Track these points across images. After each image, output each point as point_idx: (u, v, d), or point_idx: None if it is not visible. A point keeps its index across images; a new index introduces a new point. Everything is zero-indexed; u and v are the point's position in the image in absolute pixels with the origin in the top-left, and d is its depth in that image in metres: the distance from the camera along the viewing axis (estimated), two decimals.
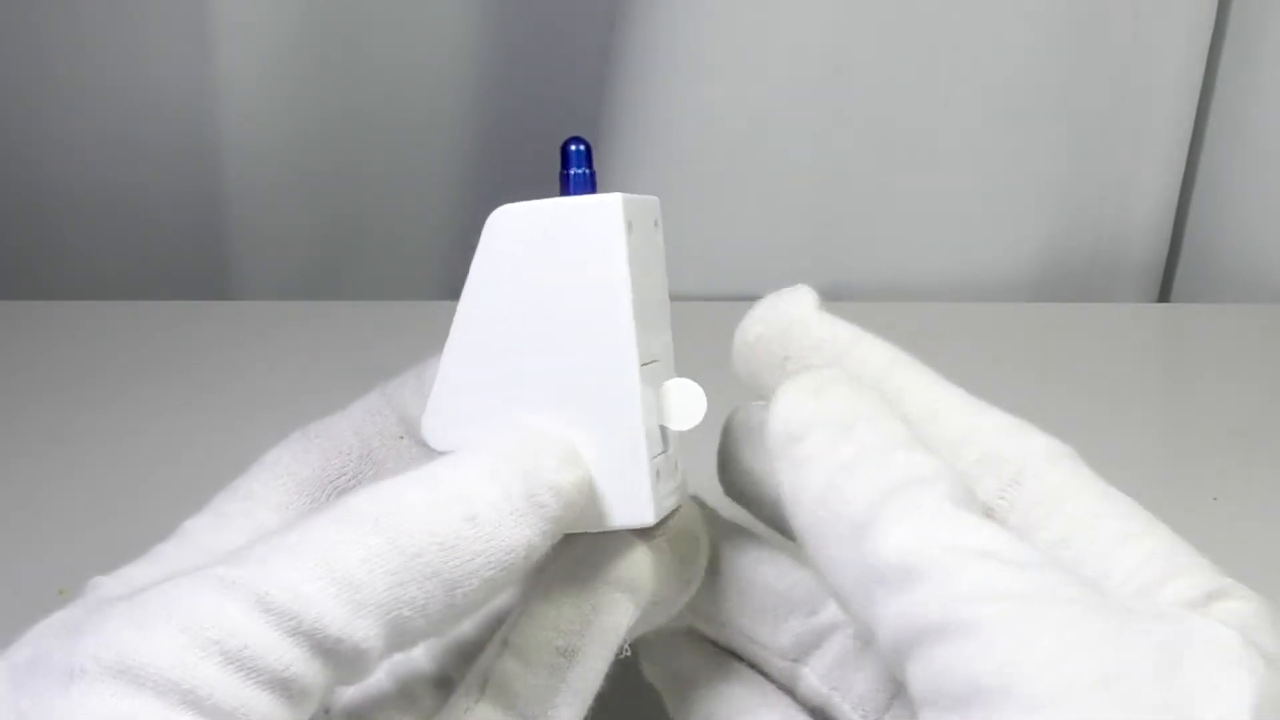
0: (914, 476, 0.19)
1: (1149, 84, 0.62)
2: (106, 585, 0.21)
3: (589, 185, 0.22)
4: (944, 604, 0.17)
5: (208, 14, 0.65)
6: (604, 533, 0.21)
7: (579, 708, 0.21)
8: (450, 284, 0.83)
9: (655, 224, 0.23)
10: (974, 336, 0.57)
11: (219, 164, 0.68)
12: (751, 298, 0.24)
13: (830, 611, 0.23)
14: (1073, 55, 0.62)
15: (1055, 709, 0.16)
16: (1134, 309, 0.65)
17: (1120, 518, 0.20)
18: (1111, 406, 0.48)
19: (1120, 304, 0.66)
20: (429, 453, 0.22)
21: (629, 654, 0.22)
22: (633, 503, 0.21)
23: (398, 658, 0.22)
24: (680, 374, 0.22)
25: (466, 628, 0.23)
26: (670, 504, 0.22)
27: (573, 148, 0.22)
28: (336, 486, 0.23)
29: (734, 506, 0.25)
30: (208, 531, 0.22)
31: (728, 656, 0.24)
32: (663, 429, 0.22)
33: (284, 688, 0.17)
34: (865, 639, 0.23)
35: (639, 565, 0.21)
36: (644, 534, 0.22)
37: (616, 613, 0.21)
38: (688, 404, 0.22)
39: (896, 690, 0.22)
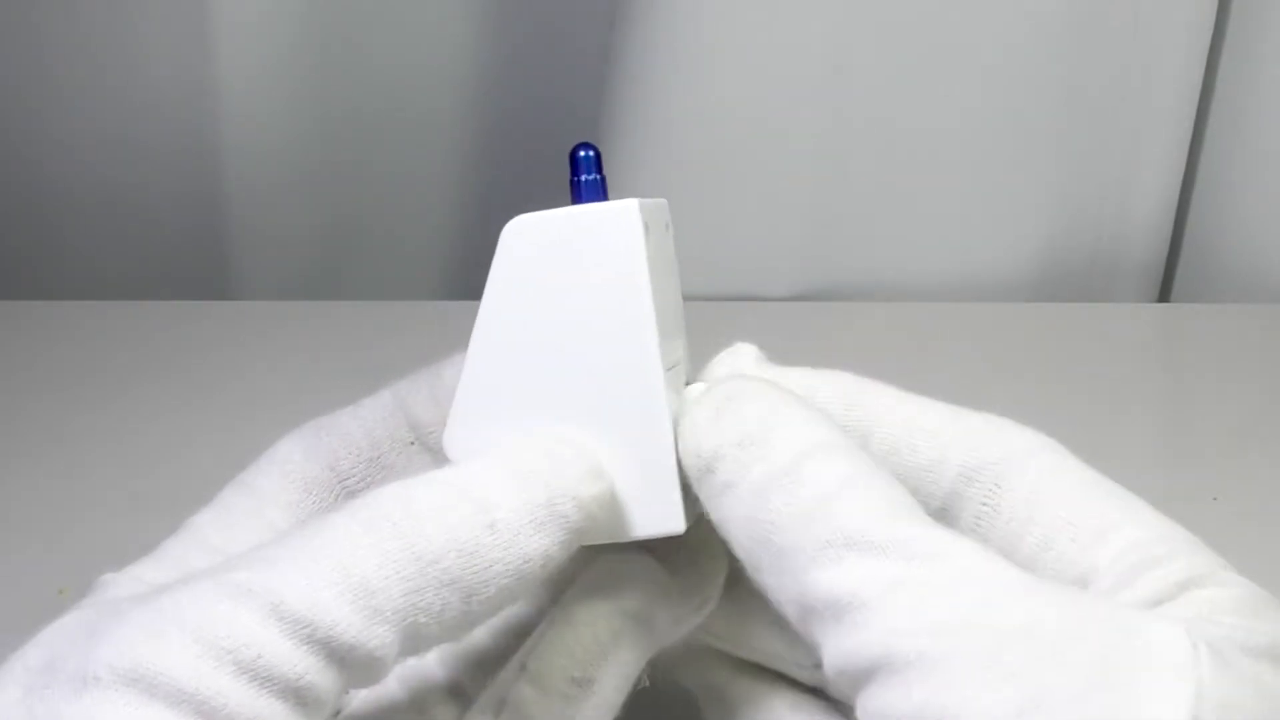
0: (825, 493, 0.18)
1: (1149, 84, 0.62)
2: (116, 583, 0.20)
3: (600, 191, 0.22)
4: (874, 642, 0.17)
5: (208, 14, 0.65)
6: (624, 560, 0.21)
7: None
8: (450, 284, 0.83)
9: (666, 226, 0.23)
10: (974, 336, 0.57)
11: (219, 164, 0.68)
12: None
13: None
14: (1073, 55, 0.62)
15: None
16: (1134, 309, 0.65)
17: (1099, 511, 0.19)
18: (1111, 406, 0.48)
19: (1120, 304, 0.66)
20: (439, 460, 0.22)
21: (647, 684, 0.22)
22: (662, 511, 0.21)
23: (409, 663, 0.22)
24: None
25: (479, 635, 0.23)
26: (695, 512, 0.22)
27: (581, 153, 0.22)
28: (345, 487, 0.23)
29: None
30: (216, 528, 0.22)
31: (756, 665, 0.24)
32: None
33: (297, 696, 0.17)
34: None
35: (658, 596, 0.21)
36: (665, 554, 0.22)
37: (635, 645, 0.21)
38: None
39: None
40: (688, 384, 0.23)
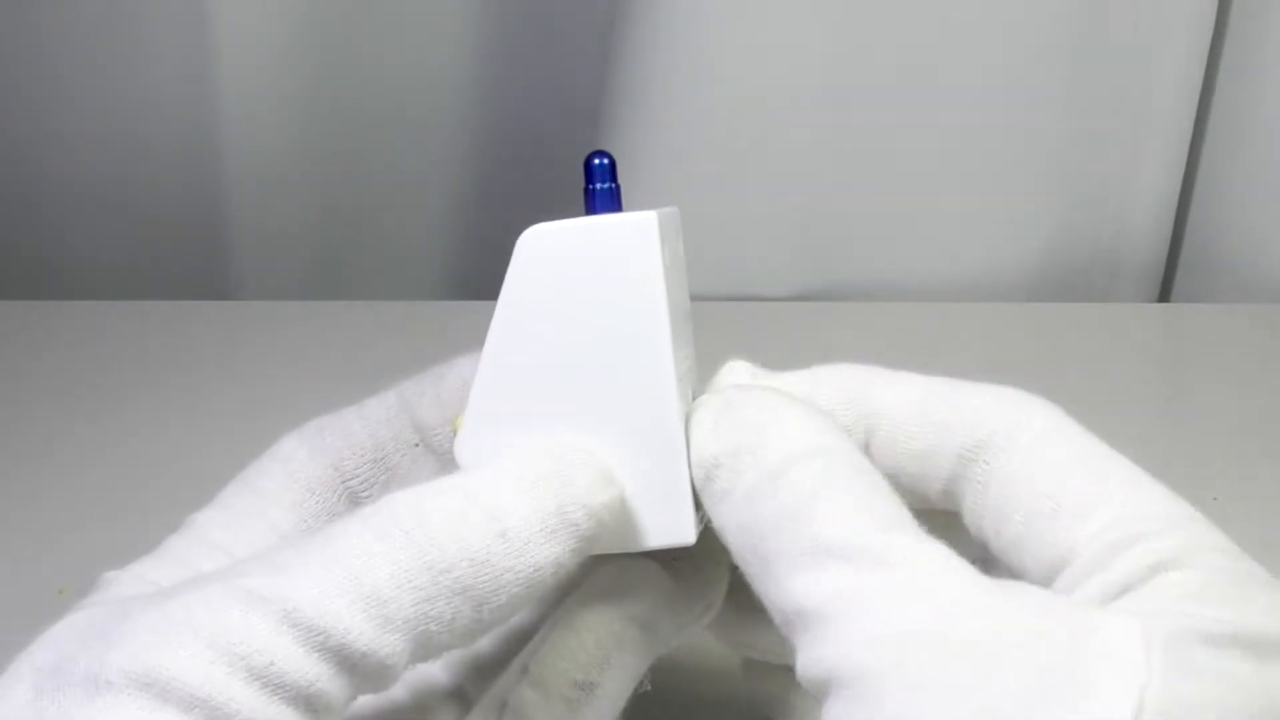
0: (802, 499, 0.18)
1: (1149, 84, 0.62)
2: (118, 581, 0.20)
3: (614, 200, 0.22)
4: (828, 656, 0.17)
5: (208, 13, 0.65)
6: (628, 565, 0.21)
7: None
8: (450, 283, 0.83)
9: (677, 234, 0.23)
10: (974, 336, 0.57)
11: (219, 163, 0.68)
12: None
13: None
14: (1073, 55, 0.62)
15: None
16: (1134, 309, 0.65)
17: (1085, 486, 0.19)
18: (1111, 406, 0.48)
19: (1120, 304, 0.66)
20: (443, 462, 0.22)
21: (648, 688, 0.22)
22: (673, 521, 0.21)
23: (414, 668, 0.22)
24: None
25: (483, 643, 0.23)
26: (703, 521, 0.22)
27: (596, 161, 0.22)
28: (349, 488, 0.23)
29: None
30: (218, 527, 0.22)
31: None
32: None
33: (309, 703, 0.17)
34: None
35: (662, 602, 0.21)
36: (669, 559, 0.22)
37: (637, 650, 0.21)
38: None
39: None
40: (694, 397, 0.23)
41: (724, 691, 0.28)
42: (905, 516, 0.18)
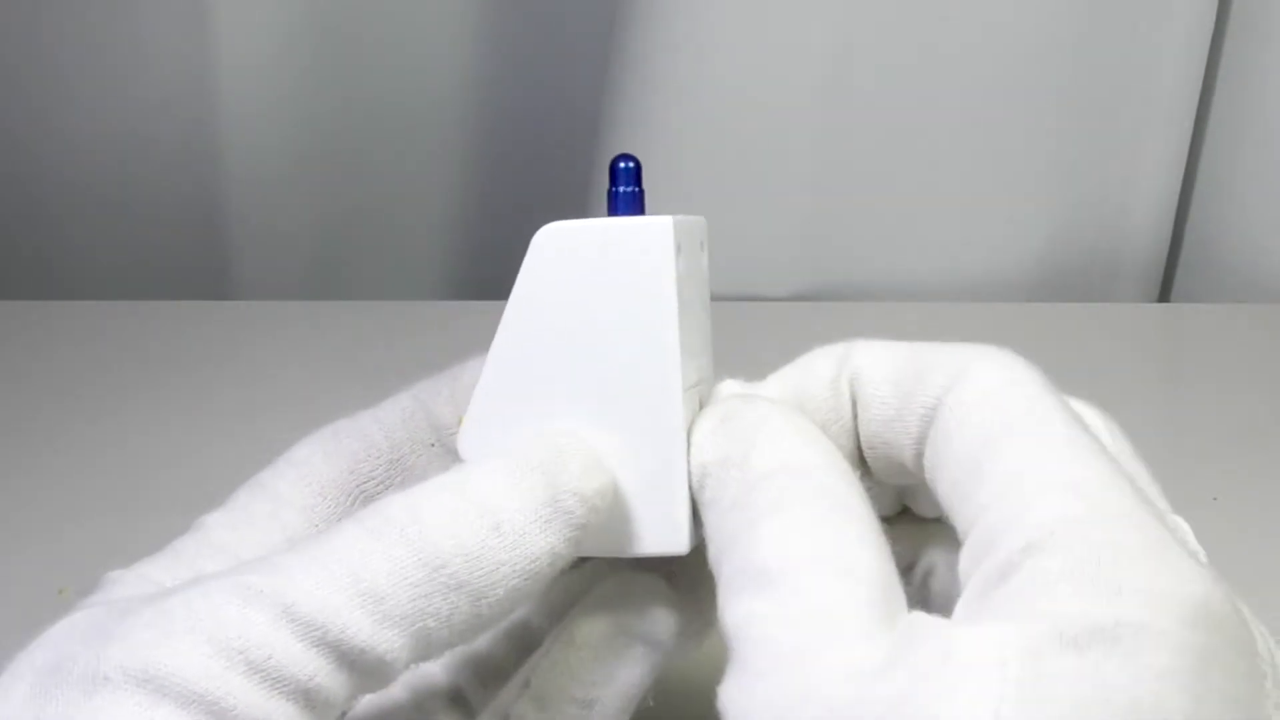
0: (754, 517, 0.18)
1: (1149, 84, 0.62)
2: (122, 581, 0.20)
3: (637, 204, 0.22)
4: (722, 697, 0.17)
5: (208, 13, 0.65)
6: (630, 579, 0.21)
7: None
8: (450, 283, 0.83)
9: (701, 245, 0.22)
10: (974, 336, 0.57)
11: (219, 163, 0.68)
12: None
13: None
14: (1073, 56, 0.62)
15: None
16: (1134, 309, 0.65)
17: (999, 451, 0.18)
18: (1111, 406, 0.48)
19: (1120, 304, 0.66)
20: (459, 461, 0.22)
21: (651, 704, 0.22)
22: (669, 530, 0.21)
23: (414, 669, 0.22)
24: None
25: (483, 644, 0.23)
26: (700, 535, 0.21)
27: (621, 165, 0.22)
28: (364, 491, 0.23)
29: None
30: (227, 530, 0.22)
31: None
32: None
33: (307, 698, 0.17)
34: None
35: (665, 619, 0.21)
36: (671, 574, 0.22)
37: (639, 667, 0.21)
38: None
39: None
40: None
41: None
42: (853, 538, 0.18)
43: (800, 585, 0.17)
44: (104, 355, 0.56)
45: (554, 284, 0.21)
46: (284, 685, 0.17)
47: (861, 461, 0.21)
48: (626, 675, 0.21)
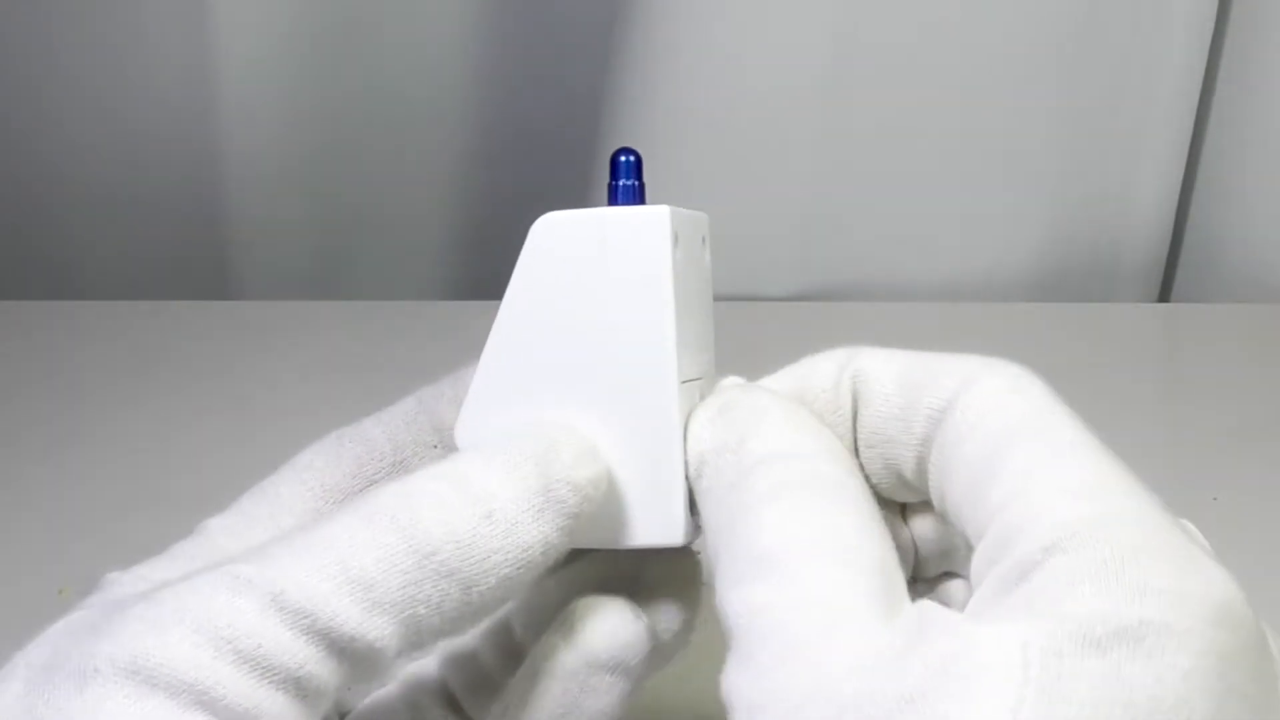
0: (744, 509, 0.18)
1: (1149, 84, 0.62)
2: (121, 582, 0.20)
3: (637, 197, 0.22)
4: (723, 685, 0.17)
5: (208, 13, 0.65)
6: (595, 605, 0.21)
7: None
8: (450, 283, 0.83)
9: (704, 240, 0.22)
10: (974, 336, 0.57)
11: (219, 163, 0.68)
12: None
13: None
14: (1073, 56, 0.62)
15: None
16: (1134, 309, 0.65)
17: (1013, 455, 0.18)
18: (1111, 406, 0.48)
19: (1120, 304, 0.66)
20: None
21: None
22: (663, 522, 0.21)
23: (410, 670, 0.22)
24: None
25: (467, 639, 0.23)
26: (696, 532, 0.21)
27: (622, 158, 0.22)
28: None
29: None
30: (228, 533, 0.22)
31: None
32: None
33: (298, 687, 0.17)
34: None
35: (634, 645, 0.21)
36: (639, 593, 0.21)
37: (606, 697, 0.20)
38: None
39: None
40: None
41: None
42: (852, 525, 0.18)
43: (803, 573, 0.17)
44: (104, 355, 0.56)
45: (551, 273, 0.21)
46: (274, 674, 0.17)
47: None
48: (592, 704, 0.20)
